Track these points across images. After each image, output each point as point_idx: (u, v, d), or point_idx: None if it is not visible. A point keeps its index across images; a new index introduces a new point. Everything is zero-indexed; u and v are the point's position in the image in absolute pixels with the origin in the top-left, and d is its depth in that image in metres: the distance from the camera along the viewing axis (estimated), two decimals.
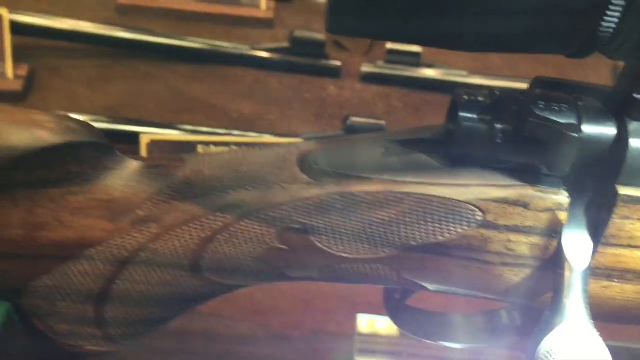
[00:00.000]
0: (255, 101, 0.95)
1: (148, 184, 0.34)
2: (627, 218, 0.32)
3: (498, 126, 0.32)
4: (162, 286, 0.35)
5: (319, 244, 0.33)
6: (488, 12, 0.26)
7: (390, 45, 1.00)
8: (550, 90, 0.32)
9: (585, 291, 0.31)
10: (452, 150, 0.33)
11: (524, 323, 0.42)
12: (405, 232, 0.33)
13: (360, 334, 0.57)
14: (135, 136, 0.76)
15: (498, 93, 0.32)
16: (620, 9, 0.26)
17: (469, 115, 0.32)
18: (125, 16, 1.07)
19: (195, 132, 0.82)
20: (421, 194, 0.32)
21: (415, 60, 1.01)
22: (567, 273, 0.31)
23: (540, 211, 0.32)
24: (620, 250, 0.32)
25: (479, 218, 0.32)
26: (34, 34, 0.95)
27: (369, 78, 1.01)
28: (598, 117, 0.31)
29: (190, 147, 0.75)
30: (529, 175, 0.32)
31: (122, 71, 0.97)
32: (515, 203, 0.32)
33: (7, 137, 0.31)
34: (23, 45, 0.93)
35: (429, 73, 1.01)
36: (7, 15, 0.86)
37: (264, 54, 1.00)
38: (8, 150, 0.31)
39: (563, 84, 0.33)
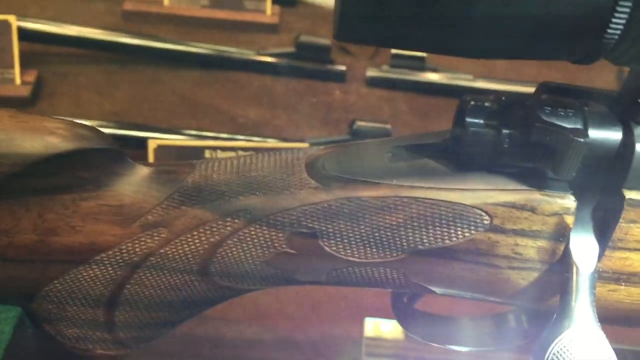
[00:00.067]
0: (261, 106, 0.95)
1: (158, 189, 0.34)
2: (634, 222, 0.32)
3: (505, 131, 0.32)
4: (172, 290, 0.35)
5: (327, 248, 0.33)
6: (495, 20, 0.26)
7: (395, 50, 1.01)
8: (556, 95, 0.33)
9: (593, 294, 0.31)
10: (459, 155, 0.33)
11: (531, 326, 0.42)
12: (413, 236, 0.33)
13: (367, 338, 0.57)
14: (142, 141, 0.76)
15: (504, 98, 0.33)
16: (625, 16, 0.26)
17: (475, 120, 0.32)
18: (132, 22, 1.07)
19: (202, 137, 0.83)
20: (429, 199, 0.32)
21: (420, 65, 1.01)
22: (574, 276, 0.31)
23: (547, 215, 0.32)
24: (627, 254, 0.33)
25: (486, 222, 0.32)
26: (41, 40, 0.95)
27: (374, 82, 1.01)
28: (604, 122, 0.31)
29: (197, 152, 0.75)
30: (536, 179, 0.32)
31: (129, 77, 0.98)
32: (522, 207, 0.32)
33: (19, 143, 0.31)
34: (30, 51, 0.93)
35: (434, 77, 1.01)
36: (15, 22, 0.86)
37: (270, 59, 1.01)
38: (20, 157, 0.31)
39: (569, 89, 0.33)
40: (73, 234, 0.33)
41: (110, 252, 0.34)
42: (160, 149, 0.75)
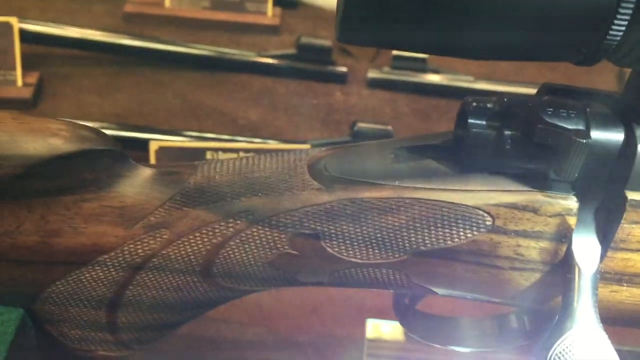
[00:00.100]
0: (262, 107, 0.95)
1: (160, 190, 0.34)
2: (636, 223, 0.32)
3: (507, 132, 0.32)
4: (174, 291, 0.35)
5: (329, 249, 0.34)
6: (497, 22, 0.26)
7: (396, 51, 1.01)
8: (558, 96, 0.33)
9: (595, 295, 0.31)
10: (461, 156, 0.33)
11: (532, 327, 0.42)
12: (415, 237, 0.33)
13: (368, 339, 0.57)
14: (144, 143, 0.76)
15: (506, 100, 0.33)
16: (627, 17, 0.26)
17: (478, 121, 0.32)
18: (133, 24, 1.07)
19: (203, 139, 0.83)
20: (431, 200, 0.32)
21: (421, 66, 1.01)
22: (576, 277, 0.31)
23: (550, 216, 0.32)
24: (629, 255, 0.33)
25: (488, 223, 0.32)
26: (43, 42, 0.95)
27: (375, 84, 1.01)
28: (606, 123, 0.31)
29: (198, 153, 0.75)
30: (538, 180, 0.32)
31: (130, 78, 0.98)
32: (524, 208, 0.32)
33: (22, 145, 0.31)
34: (32, 53, 0.94)
35: (435, 78, 1.01)
36: (17, 24, 0.86)
37: (271, 61, 1.01)
38: (23, 158, 0.31)
39: (571, 90, 0.33)
40: (75, 235, 0.33)
41: (113, 254, 0.34)
42: (161, 151, 0.75)
